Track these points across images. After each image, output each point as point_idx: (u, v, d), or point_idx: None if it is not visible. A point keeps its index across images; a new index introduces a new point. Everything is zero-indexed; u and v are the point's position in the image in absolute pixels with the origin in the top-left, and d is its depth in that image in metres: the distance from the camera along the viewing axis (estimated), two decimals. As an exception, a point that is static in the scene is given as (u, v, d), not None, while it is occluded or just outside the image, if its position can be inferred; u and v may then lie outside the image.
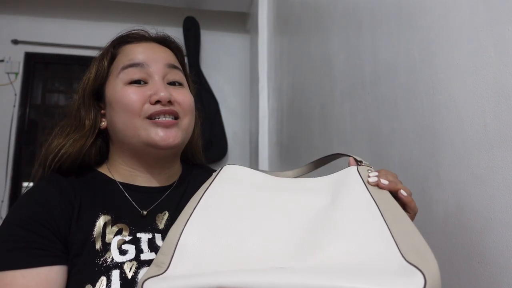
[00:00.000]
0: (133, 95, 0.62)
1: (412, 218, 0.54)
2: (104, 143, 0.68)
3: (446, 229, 0.66)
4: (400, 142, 0.81)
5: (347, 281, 0.33)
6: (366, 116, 0.97)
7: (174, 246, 0.43)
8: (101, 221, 0.58)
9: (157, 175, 0.68)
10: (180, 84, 0.68)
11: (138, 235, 0.59)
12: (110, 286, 0.51)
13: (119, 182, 0.65)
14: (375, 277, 0.34)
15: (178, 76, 0.67)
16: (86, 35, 2.63)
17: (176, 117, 0.64)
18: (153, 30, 0.72)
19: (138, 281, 0.40)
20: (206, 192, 0.52)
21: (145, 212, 0.62)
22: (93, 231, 0.57)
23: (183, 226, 0.46)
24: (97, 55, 0.69)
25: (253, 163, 2.30)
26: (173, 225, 0.46)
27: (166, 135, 0.61)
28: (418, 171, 0.74)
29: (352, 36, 1.07)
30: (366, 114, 0.97)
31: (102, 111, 0.67)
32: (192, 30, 2.76)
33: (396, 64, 0.84)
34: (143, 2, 2.65)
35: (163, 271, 0.40)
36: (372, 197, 0.47)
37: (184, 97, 0.66)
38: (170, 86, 0.65)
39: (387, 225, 0.42)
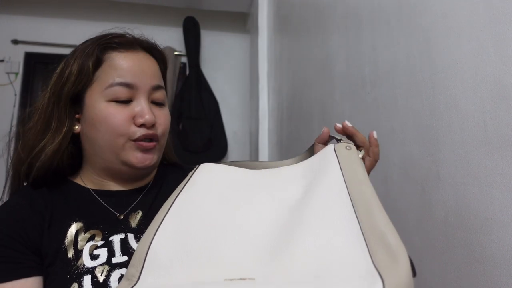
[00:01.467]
0: (118, 115, 0.60)
1: (373, 165, 0.58)
2: (75, 148, 0.66)
3: (446, 229, 0.66)
4: (400, 142, 0.81)
5: None
6: (366, 116, 0.97)
7: (144, 258, 0.43)
8: (72, 229, 0.58)
9: (129, 185, 0.68)
10: (162, 104, 0.68)
11: (111, 238, 0.59)
12: None
13: (92, 189, 0.65)
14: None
15: (162, 96, 0.67)
16: (86, 35, 2.62)
17: (156, 140, 0.65)
18: (136, 30, 0.69)
19: None
20: (178, 197, 0.50)
21: (122, 216, 0.63)
22: (64, 240, 0.57)
23: (152, 236, 0.44)
24: (78, 50, 0.65)
25: (253, 163, 2.30)
26: (143, 235, 0.45)
27: (143, 158, 0.62)
28: (418, 171, 0.74)
29: (352, 36, 1.07)
30: (366, 114, 0.97)
31: (77, 115, 0.65)
32: (192, 30, 2.76)
33: (396, 64, 0.83)
34: (143, 2, 2.65)
35: (133, 284, 0.40)
36: (346, 182, 0.45)
37: (165, 119, 0.67)
38: (153, 105, 0.65)
39: (358, 219, 0.40)
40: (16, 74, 2.64)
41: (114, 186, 0.67)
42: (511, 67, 0.54)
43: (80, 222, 0.60)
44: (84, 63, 0.62)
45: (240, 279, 0.37)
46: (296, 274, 0.36)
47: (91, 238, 0.59)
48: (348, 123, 0.59)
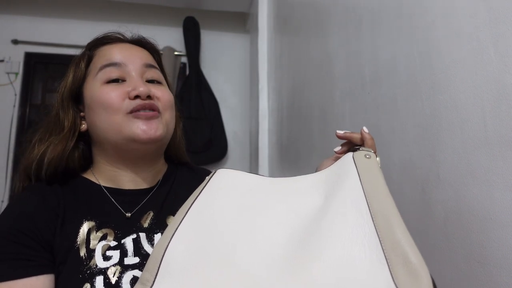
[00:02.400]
0: (112, 93, 0.62)
1: None
2: (86, 146, 0.68)
3: (446, 229, 0.66)
4: (400, 142, 0.81)
5: None
6: (366, 116, 0.97)
7: (159, 263, 0.42)
8: (84, 228, 0.58)
9: (141, 173, 0.67)
10: (159, 82, 0.68)
11: (123, 240, 0.59)
12: None
13: (104, 186, 0.65)
14: None
15: (156, 74, 0.68)
16: (86, 35, 2.62)
17: (157, 111, 0.64)
18: (128, 33, 0.72)
19: None
20: (195, 202, 0.49)
21: (129, 214, 0.63)
22: (76, 238, 0.57)
23: (168, 241, 0.44)
24: (73, 59, 0.69)
25: (253, 163, 2.30)
26: (159, 239, 0.45)
27: (148, 127, 0.61)
28: (418, 171, 0.74)
29: (352, 36, 1.07)
30: (366, 114, 0.97)
31: (82, 114, 0.67)
32: (192, 30, 2.76)
33: (396, 64, 0.83)
34: (143, 2, 2.65)
35: None
36: (365, 194, 0.43)
37: (163, 93, 0.66)
38: (148, 83, 0.66)
39: (378, 235, 0.38)
40: (16, 74, 2.64)
41: (126, 180, 0.66)
42: (511, 67, 0.54)
43: (92, 221, 0.59)
44: (77, 64, 0.67)
45: None
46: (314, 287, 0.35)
47: (103, 237, 0.58)
48: (340, 132, 0.60)
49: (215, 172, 0.56)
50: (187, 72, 2.74)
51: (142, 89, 0.61)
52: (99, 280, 0.53)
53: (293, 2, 1.69)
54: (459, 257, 0.63)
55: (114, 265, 0.55)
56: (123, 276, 0.55)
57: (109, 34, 0.70)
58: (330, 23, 1.24)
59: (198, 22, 2.79)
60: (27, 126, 2.62)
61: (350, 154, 0.51)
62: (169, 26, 2.82)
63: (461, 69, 0.63)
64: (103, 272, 0.54)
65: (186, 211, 0.48)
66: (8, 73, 2.62)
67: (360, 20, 1.01)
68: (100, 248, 0.57)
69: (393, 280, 0.33)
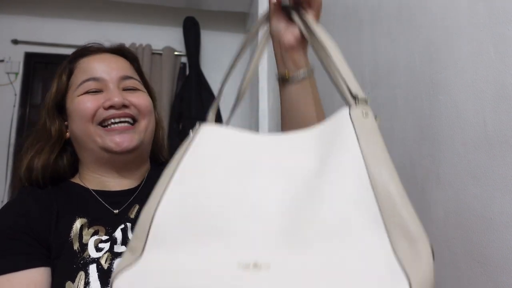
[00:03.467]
0: (87, 102, 0.65)
1: (316, 16, 0.55)
2: (74, 153, 0.72)
3: (446, 229, 0.66)
4: (400, 142, 0.81)
5: None
6: (366, 116, 0.97)
7: (147, 230, 0.40)
8: (77, 224, 0.61)
9: (126, 177, 0.70)
10: (136, 90, 0.70)
11: (114, 234, 0.62)
12: (88, 278, 0.55)
13: (92, 189, 0.68)
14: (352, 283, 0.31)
15: (134, 83, 0.70)
16: (86, 35, 2.62)
17: (133, 119, 0.66)
18: (107, 43, 0.75)
19: (113, 270, 0.40)
20: (180, 163, 0.45)
21: (117, 211, 0.65)
22: (70, 233, 0.59)
23: (155, 206, 0.41)
24: (56, 71, 0.73)
25: (253, 163, 2.30)
26: (146, 204, 0.42)
27: (120, 140, 0.64)
28: (418, 171, 0.74)
29: (352, 36, 1.07)
30: (366, 114, 0.97)
31: (66, 123, 0.71)
32: (192, 30, 2.76)
33: (396, 64, 0.83)
34: (143, 2, 2.65)
35: (138, 256, 0.39)
36: (365, 161, 0.39)
37: (139, 99, 0.68)
38: (125, 91, 0.68)
39: (377, 202, 0.36)
40: (16, 74, 2.64)
41: (112, 183, 0.69)
42: (511, 67, 0.54)
43: (83, 218, 0.62)
44: (59, 77, 0.71)
45: (254, 264, 0.34)
46: (312, 261, 0.34)
47: (95, 233, 0.61)
48: None
49: (198, 127, 0.50)
50: (187, 72, 2.74)
51: (117, 99, 0.64)
52: (92, 268, 0.56)
53: (293, 2, 1.69)
54: (459, 257, 0.63)
55: (105, 252, 0.58)
56: (113, 262, 0.57)
57: (88, 45, 0.73)
58: (330, 23, 1.24)
59: (198, 22, 2.79)
60: (27, 126, 2.62)
61: (345, 111, 0.44)
62: (169, 26, 2.81)
63: (461, 69, 0.63)
64: (96, 260, 0.57)
65: (171, 173, 0.44)
66: (8, 73, 2.62)
67: (360, 20, 1.01)
68: (92, 242, 0.59)
69: (394, 253, 0.32)
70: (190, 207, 0.41)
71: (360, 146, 0.40)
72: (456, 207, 0.64)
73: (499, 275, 0.55)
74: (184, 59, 2.80)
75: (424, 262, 0.31)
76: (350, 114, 0.43)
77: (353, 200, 0.36)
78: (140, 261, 0.38)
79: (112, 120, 0.64)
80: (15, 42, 2.66)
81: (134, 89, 0.69)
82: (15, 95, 2.61)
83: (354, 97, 0.46)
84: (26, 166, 0.66)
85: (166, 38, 2.74)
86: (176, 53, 2.74)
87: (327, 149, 0.42)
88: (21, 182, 0.68)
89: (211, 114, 0.57)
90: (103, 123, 0.64)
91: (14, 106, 2.60)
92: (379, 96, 0.91)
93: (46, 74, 2.75)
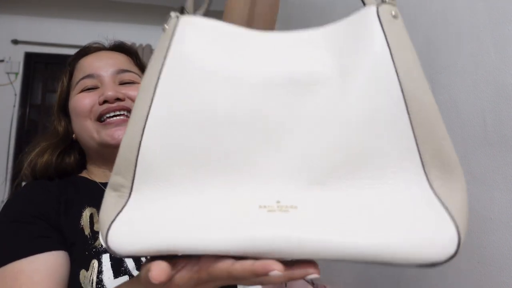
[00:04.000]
0: (84, 99, 0.65)
1: None
2: (82, 152, 0.73)
3: (446, 229, 0.66)
4: (400, 142, 0.81)
5: (365, 238, 0.26)
6: (366, 116, 0.97)
7: (134, 162, 0.32)
8: (87, 212, 0.61)
9: None
10: (133, 83, 0.70)
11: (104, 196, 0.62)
12: (101, 267, 0.54)
13: (99, 182, 0.68)
14: (399, 231, 0.26)
15: (131, 77, 0.70)
16: (86, 35, 2.63)
17: (129, 112, 0.66)
18: (106, 41, 0.76)
19: (100, 222, 0.32)
20: (163, 69, 0.34)
21: None
22: (80, 220, 0.60)
23: (141, 132, 0.32)
24: (60, 73, 0.75)
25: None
26: (127, 128, 0.33)
27: (116, 133, 0.63)
28: (418, 171, 0.74)
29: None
30: (366, 114, 0.97)
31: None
32: (192, 30, 2.76)
33: (396, 64, 0.83)
34: (143, 2, 2.66)
35: (126, 198, 0.32)
36: (396, 69, 0.32)
37: (135, 92, 0.67)
38: (122, 85, 0.68)
39: (412, 126, 0.30)
40: (16, 74, 2.64)
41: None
42: (511, 67, 0.54)
43: (92, 207, 0.62)
44: (62, 79, 0.72)
45: (279, 207, 0.28)
46: (344, 201, 0.29)
47: None
48: None
49: (177, 20, 0.37)
50: (187, 72, 2.74)
51: (110, 93, 0.63)
52: (105, 257, 0.55)
53: (293, 2, 1.69)
54: (459, 257, 0.63)
55: None
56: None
57: (87, 46, 0.74)
58: (330, 23, 1.24)
59: (198, 22, 2.79)
60: (27, 126, 2.62)
61: (372, 8, 0.35)
62: (169, 26, 2.81)
63: (461, 69, 0.63)
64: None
65: (154, 83, 0.34)
66: (8, 73, 2.62)
67: (360, 20, 1.01)
68: None
69: (431, 186, 0.29)
70: (184, 131, 0.32)
71: (391, 54, 0.32)
72: (456, 207, 0.64)
73: (499, 275, 0.55)
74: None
75: (461, 195, 0.29)
76: (378, 13, 0.35)
77: (384, 121, 0.30)
78: (131, 205, 0.31)
79: (108, 115, 0.64)
80: (15, 42, 2.66)
81: (131, 83, 0.69)
82: (15, 95, 2.61)
83: None
84: (28, 163, 0.67)
85: (166, 38, 2.74)
86: (176, 53, 2.74)
87: (348, 54, 0.33)
88: (24, 179, 0.68)
89: (190, 1, 0.42)
90: (100, 119, 0.64)
91: (14, 106, 2.60)
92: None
93: (46, 74, 2.75)
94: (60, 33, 2.67)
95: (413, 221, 0.27)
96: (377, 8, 0.35)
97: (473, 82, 0.61)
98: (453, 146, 0.30)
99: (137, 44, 2.67)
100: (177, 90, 0.33)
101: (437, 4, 0.70)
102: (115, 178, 0.33)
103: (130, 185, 0.32)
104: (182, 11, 0.39)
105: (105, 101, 0.64)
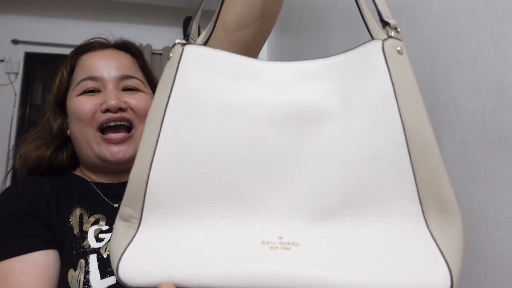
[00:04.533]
0: (85, 104, 0.63)
1: None
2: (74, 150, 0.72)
3: (446, 229, 0.66)
4: (400, 142, 0.81)
5: (360, 277, 0.27)
6: (366, 116, 0.97)
7: (143, 195, 0.33)
8: (77, 212, 0.61)
9: (124, 176, 0.69)
10: (136, 90, 0.68)
11: (114, 226, 0.61)
12: (88, 267, 0.55)
13: (91, 182, 0.67)
14: (393, 270, 0.27)
15: (135, 83, 0.68)
16: (86, 35, 2.62)
17: (130, 124, 0.65)
18: (111, 36, 0.73)
19: (111, 252, 0.33)
20: (170, 102, 0.34)
21: (116, 205, 0.64)
22: (70, 219, 0.59)
23: (148, 166, 0.33)
24: (60, 67, 0.72)
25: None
26: (135, 162, 0.34)
27: (116, 151, 0.63)
28: (418, 171, 0.74)
29: (352, 36, 1.07)
30: (366, 114, 0.97)
31: (67, 120, 0.70)
32: (192, 30, 2.76)
33: (396, 64, 0.84)
34: (143, 2, 2.66)
35: (136, 227, 0.33)
36: (400, 111, 0.31)
37: (137, 101, 0.66)
38: (125, 92, 0.66)
39: (412, 166, 0.30)
40: (16, 74, 2.64)
41: (110, 179, 0.68)
42: (511, 67, 0.54)
43: (83, 208, 0.61)
44: (62, 73, 0.69)
45: (281, 243, 0.29)
46: (344, 239, 0.30)
47: (96, 222, 0.60)
48: None
49: (182, 50, 0.37)
50: (187, 72, 2.74)
51: (113, 102, 0.62)
52: (92, 258, 0.55)
53: (293, 2, 1.69)
54: (459, 257, 0.63)
55: (106, 243, 0.57)
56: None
57: (91, 40, 0.71)
58: (330, 23, 1.24)
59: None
60: (27, 126, 2.62)
61: (378, 43, 0.34)
62: (169, 26, 2.82)
63: (461, 69, 0.63)
64: (96, 251, 0.56)
65: (161, 117, 0.34)
66: (8, 73, 2.62)
67: (360, 20, 1.01)
68: (92, 231, 0.59)
69: (428, 228, 0.29)
70: (189, 163, 0.32)
71: (395, 93, 0.32)
72: (456, 207, 0.64)
73: (499, 275, 0.55)
74: (184, 59, 2.80)
75: (457, 237, 0.29)
76: (383, 48, 0.34)
77: (385, 161, 0.30)
78: (141, 236, 0.32)
79: (108, 124, 0.63)
80: (15, 42, 2.66)
81: (134, 90, 0.67)
82: (15, 95, 2.61)
83: (385, 24, 0.36)
84: (21, 158, 0.66)
85: (166, 38, 2.74)
86: (176, 53, 2.74)
87: (353, 90, 0.33)
88: (17, 173, 0.68)
89: (195, 26, 0.41)
90: (101, 127, 0.63)
91: (14, 106, 2.60)
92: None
93: (46, 74, 2.75)
94: (60, 33, 2.67)
95: (407, 261, 0.28)
96: (383, 44, 0.34)
97: (473, 82, 0.61)
98: (451, 188, 0.31)
99: (137, 44, 2.68)
100: (183, 124, 0.33)
101: (437, 4, 0.70)
102: (125, 209, 0.34)
103: (139, 216, 0.33)
104: (187, 37, 0.39)
105: (107, 110, 0.63)
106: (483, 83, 0.59)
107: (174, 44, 0.38)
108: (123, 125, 0.63)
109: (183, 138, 0.33)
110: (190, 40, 0.39)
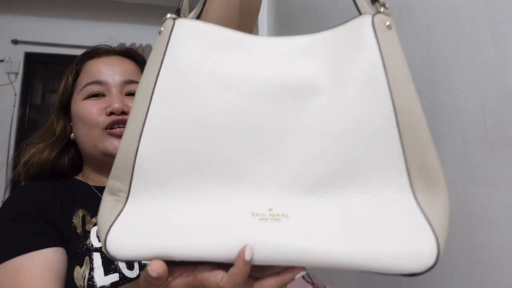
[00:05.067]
0: (91, 108, 0.66)
1: None
2: (77, 153, 0.73)
3: (446, 229, 0.66)
4: (400, 142, 0.81)
5: (345, 245, 0.27)
6: (366, 116, 0.97)
7: (131, 168, 0.32)
8: (80, 213, 0.62)
9: None
10: None
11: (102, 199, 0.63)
12: (92, 264, 0.56)
13: (92, 186, 0.69)
14: (381, 239, 0.28)
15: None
16: (86, 35, 2.63)
17: None
18: (115, 43, 0.76)
19: (99, 225, 0.32)
20: (160, 74, 0.34)
21: None
22: (73, 219, 0.61)
23: (138, 138, 0.33)
24: (65, 71, 0.74)
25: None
26: (124, 135, 0.34)
27: (119, 145, 0.64)
28: (418, 171, 0.74)
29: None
30: (366, 114, 0.97)
31: (71, 123, 0.72)
32: (192, 30, 2.76)
33: (396, 64, 0.84)
34: (143, 2, 2.66)
35: (123, 201, 0.32)
36: (388, 81, 0.32)
37: None
38: (128, 97, 0.69)
39: (400, 138, 0.31)
40: (16, 74, 2.64)
41: None
42: (511, 67, 0.54)
43: (85, 209, 0.63)
44: (67, 77, 0.72)
45: (271, 215, 0.30)
46: (333, 210, 0.30)
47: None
48: None
49: (173, 23, 0.37)
50: (187, 72, 2.74)
51: (117, 105, 0.64)
52: (96, 256, 0.57)
53: (293, 2, 1.69)
54: (459, 257, 0.63)
55: None
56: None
57: (97, 47, 0.74)
58: (330, 23, 1.24)
59: (198, 22, 2.79)
60: (27, 126, 2.62)
61: (368, 17, 0.35)
62: (169, 26, 2.82)
63: (461, 69, 0.63)
64: (99, 249, 0.58)
65: (151, 89, 0.34)
66: (8, 73, 2.63)
67: (360, 20, 1.01)
68: (95, 231, 0.61)
69: (415, 197, 0.30)
70: (180, 140, 0.32)
71: (384, 66, 0.33)
72: (456, 207, 0.64)
73: (499, 275, 0.55)
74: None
75: (443, 207, 0.30)
76: (373, 23, 0.34)
77: (374, 133, 0.31)
78: (129, 209, 0.32)
79: (112, 127, 0.66)
80: (15, 42, 2.66)
81: None
82: (15, 95, 2.61)
83: (374, 0, 0.37)
84: (24, 162, 0.68)
85: (166, 38, 2.74)
86: (176, 53, 2.74)
87: (343, 63, 0.34)
88: (20, 178, 0.69)
89: (186, 2, 0.41)
90: (106, 128, 0.66)
91: (14, 106, 2.60)
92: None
93: (46, 74, 2.75)
94: (60, 33, 2.67)
95: (395, 231, 0.29)
96: (372, 18, 0.35)
97: (473, 82, 0.61)
98: (438, 159, 0.31)
99: (137, 44, 2.67)
100: (174, 96, 0.33)
101: (437, 4, 0.70)
102: (112, 182, 0.33)
103: (127, 189, 0.32)
104: (178, 12, 0.38)
105: (111, 112, 0.65)
106: (483, 83, 0.59)
107: (165, 19, 0.37)
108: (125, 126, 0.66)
109: (173, 110, 0.33)
110: (181, 15, 0.38)
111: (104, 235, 0.31)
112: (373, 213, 0.30)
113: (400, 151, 0.31)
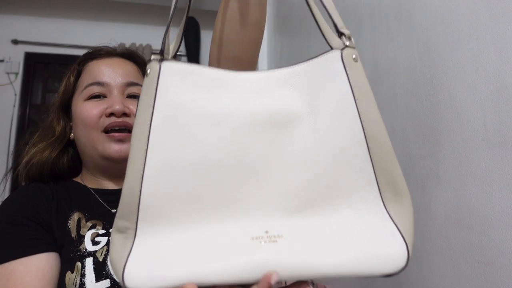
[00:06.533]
0: (91, 109, 0.66)
1: None
2: (75, 155, 0.73)
3: (446, 229, 0.66)
4: (400, 142, 0.81)
5: (326, 257, 0.32)
6: (366, 116, 0.97)
7: (136, 207, 0.35)
8: (75, 217, 0.62)
9: (121, 183, 0.71)
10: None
11: (111, 230, 0.63)
12: (84, 270, 0.56)
13: (90, 188, 0.69)
14: (360, 247, 0.33)
15: (139, 90, 0.70)
16: (86, 35, 2.63)
17: (130, 129, 0.66)
18: (116, 44, 0.76)
19: (113, 264, 0.35)
20: (154, 116, 0.37)
21: (114, 210, 0.66)
22: (68, 223, 0.61)
23: (140, 181, 0.35)
24: (66, 71, 0.74)
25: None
26: (127, 177, 0.36)
27: (119, 149, 0.65)
28: (418, 171, 0.74)
29: (352, 36, 1.07)
30: (366, 114, 0.97)
31: (71, 124, 0.72)
32: (192, 30, 2.76)
33: (396, 64, 0.84)
34: (143, 2, 2.66)
35: (132, 237, 0.35)
36: (358, 110, 0.37)
37: None
38: (129, 99, 0.69)
39: (371, 160, 0.36)
40: (16, 74, 2.64)
41: (109, 185, 0.70)
42: (511, 67, 0.54)
43: (81, 212, 0.63)
44: (68, 78, 0.72)
45: (268, 237, 0.33)
46: (319, 227, 0.35)
47: (93, 227, 0.62)
48: None
49: (159, 68, 0.39)
50: (187, 72, 2.74)
51: (118, 107, 0.65)
52: (88, 261, 0.57)
53: (293, 2, 1.69)
54: (459, 257, 0.63)
55: (102, 247, 0.59)
56: (108, 255, 0.59)
57: (99, 48, 0.74)
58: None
59: (198, 22, 2.79)
60: (27, 126, 2.62)
61: (337, 52, 0.39)
62: (169, 26, 2.81)
63: (461, 69, 0.63)
64: (92, 254, 0.58)
65: (147, 132, 0.36)
66: (8, 73, 2.62)
67: (360, 20, 1.01)
68: (89, 235, 0.61)
69: (385, 207, 0.36)
70: (177, 173, 0.35)
71: (354, 96, 0.37)
72: (456, 207, 0.64)
73: (499, 275, 0.55)
74: (184, 59, 2.80)
75: (409, 216, 0.35)
76: (342, 57, 0.39)
77: (349, 157, 0.36)
78: (139, 245, 0.35)
79: (112, 128, 0.66)
80: (15, 42, 2.66)
81: (138, 97, 0.70)
82: (15, 95, 2.61)
83: (341, 34, 0.42)
84: (25, 163, 0.68)
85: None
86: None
87: (317, 93, 0.37)
88: (20, 178, 0.69)
89: (167, 42, 0.44)
90: (106, 130, 0.65)
91: (14, 106, 2.60)
92: (379, 96, 0.91)
93: (46, 74, 2.75)
94: (60, 33, 2.67)
95: (371, 239, 0.34)
96: (341, 54, 0.39)
97: (473, 82, 0.61)
98: (402, 174, 0.37)
99: (137, 44, 2.67)
100: (168, 138, 0.36)
101: (437, 4, 0.70)
102: (120, 222, 0.36)
103: (134, 226, 0.35)
104: (161, 53, 0.40)
105: (111, 114, 0.65)
106: (483, 83, 0.59)
107: (149, 60, 0.40)
108: (126, 129, 0.66)
109: (169, 150, 0.36)
110: (165, 56, 0.41)
111: (121, 272, 0.33)
112: (352, 225, 0.35)
113: (372, 171, 0.36)
